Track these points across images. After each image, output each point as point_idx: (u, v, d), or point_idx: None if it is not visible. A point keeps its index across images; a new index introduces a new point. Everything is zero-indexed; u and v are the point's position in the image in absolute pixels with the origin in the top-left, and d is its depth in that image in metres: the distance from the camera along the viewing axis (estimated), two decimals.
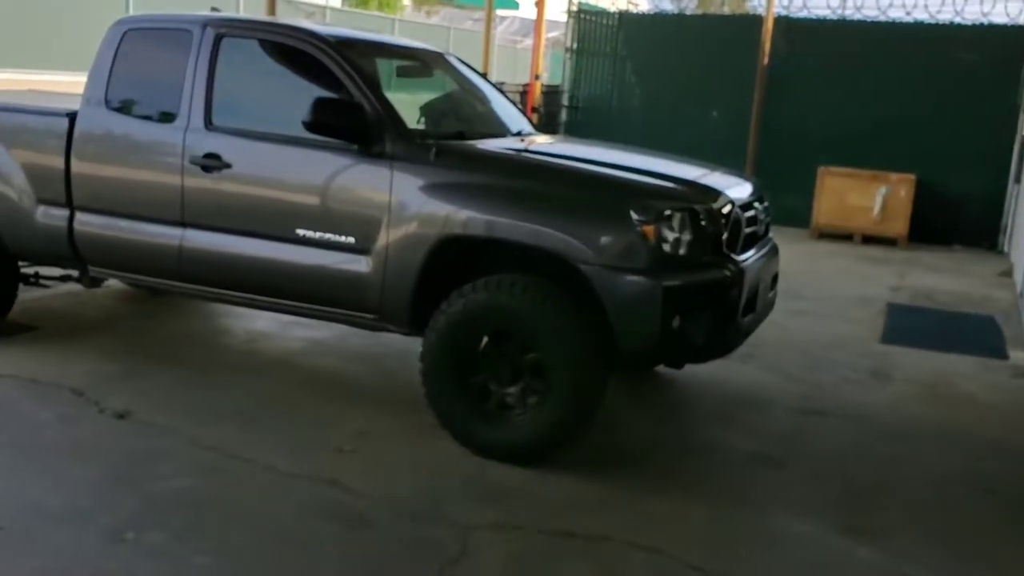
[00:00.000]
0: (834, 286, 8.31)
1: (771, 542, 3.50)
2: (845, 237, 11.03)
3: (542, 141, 5.19)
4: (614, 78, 13.09)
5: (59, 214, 4.84)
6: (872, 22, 11.60)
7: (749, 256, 4.20)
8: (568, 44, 13.39)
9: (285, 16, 14.51)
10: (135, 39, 4.84)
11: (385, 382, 5.01)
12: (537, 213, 3.90)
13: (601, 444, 4.26)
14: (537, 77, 12.74)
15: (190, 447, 3.90)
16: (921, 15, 11.26)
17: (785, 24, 11.81)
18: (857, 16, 11.78)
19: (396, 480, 3.76)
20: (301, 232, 4.28)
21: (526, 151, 4.65)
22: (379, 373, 5.15)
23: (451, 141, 4.43)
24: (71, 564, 3.00)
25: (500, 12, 18.44)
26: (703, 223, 3.88)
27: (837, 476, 4.11)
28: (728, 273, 3.93)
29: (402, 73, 5.51)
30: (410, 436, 4.20)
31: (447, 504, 3.57)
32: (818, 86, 11.71)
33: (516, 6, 28.67)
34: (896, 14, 11.47)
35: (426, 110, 5.11)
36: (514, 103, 5.83)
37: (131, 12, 11.11)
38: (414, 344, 4.35)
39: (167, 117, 4.61)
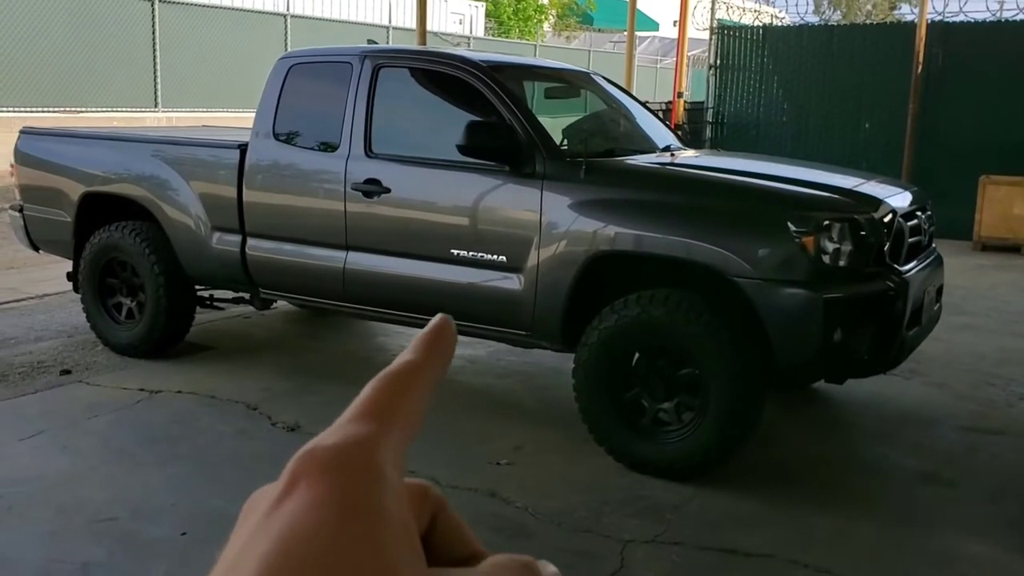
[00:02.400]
0: (1000, 299, 7.87)
1: (946, 563, 3.34)
2: (1011, 249, 10.42)
3: (691, 155, 5.17)
4: (759, 93, 12.87)
5: (232, 240, 5.15)
6: None
7: (912, 267, 4.05)
8: (711, 60, 13.26)
9: (434, 47, 15.01)
10: (299, 73, 5.11)
11: (539, 398, 5.08)
12: (689, 227, 3.89)
13: (758, 461, 4.18)
14: (680, 95, 12.67)
15: None
16: None
17: (941, 29, 11.33)
18: (1019, 17, 11.18)
19: (553, 493, 3.80)
20: (456, 252, 4.41)
21: (676, 165, 4.64)
22: (533, 389, 5.22)
23: (600, 158, 4.48)
24: None
25: (639, 33, 18.44)
26: (864, 233, 3.77)
27: (1015, 496, 3.89)
28: (891, 284, 3.81)
29: (550, 94, 5.61)
30: (565, 451, 4.25)
31: (604, 517, 3.59)
32: (976, 92, 11.16)
33: (656, 26, 28.61)
34: None
35: (575, 129, 5.17)
36: (660, 119, 5.83)
37: (290, 49, 11.75)
38: (566, 361, 4.40)
39: (330, 146, 4.85)
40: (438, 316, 0.39)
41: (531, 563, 0.34)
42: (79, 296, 5.75)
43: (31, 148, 5.93)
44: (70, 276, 5.85)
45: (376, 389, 0.36)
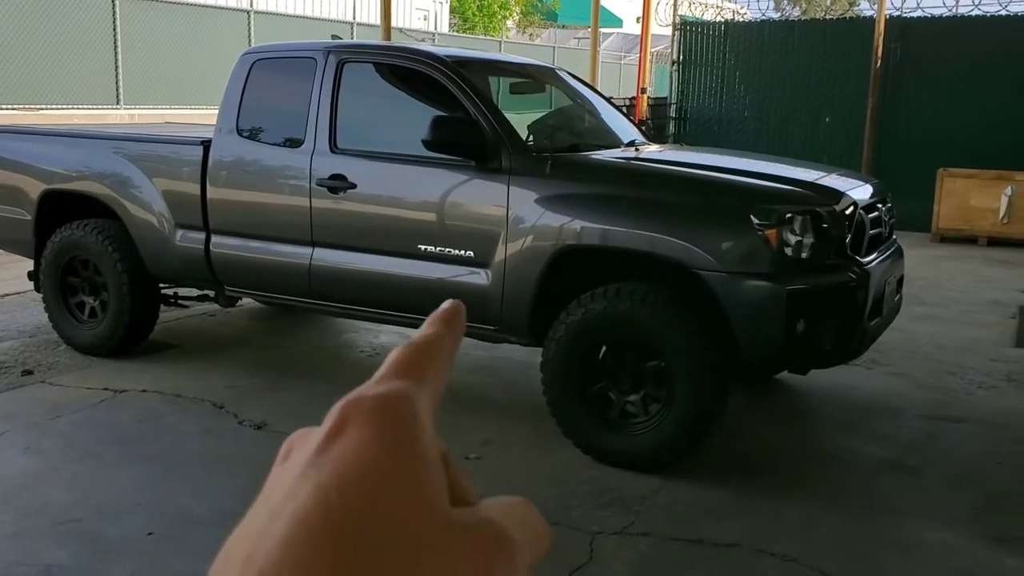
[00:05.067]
0: (959, 290, 8.00)
1: (911, 550, 3.40)
2: (968, 240, 10.60)
3: (655, 150, 5.20)
4: (722, 88, 12.98)
5: (196, 237, 5.10)
6: (992, 17, 11.17)
7: (873, 258, 4.12)
8: (674, 56, 13.34)
9: (398, 42, 14.93)
10: (262, 69, 5.07)
11: (507, 392, 5.10)
12: (654, 221, 3.92)
13: (724, 451, 4.23)
14: (643, 90, 12.74)
15: None
16: None
17: (899, 24, 11.50)
18: (975, 12, 11.37)
19: (522, 486, 3.82)
20: (423, 247, 4.41)
21: (640, 160, 4.67)
22: (500, 383, 5.24)
23: (565, 153, 4.50)
24: None
25: (603, 29, 18.50)
26: (826, 225, 3.83)
27: (977, 483, 3.97)
28: (853, 276, 3.87)
29: (515, 89, 5.62)
30: (533, 444, 4.26)
31: (573, 510, 3.61)
32: (934, 86, 11.34)
33: (619, 23, 28.72)
34: (1018, 8, 11.02)
35: (540, 124, 5.19)
36: (624, 115, 5.87)
37: (253, 45, 11.65)
38: (534, 355, 4.42)
39: (294, 142, 4.82)
40: (450, 300, 0.43)
41: (527, 502, 0.38)
42: (40, 295, 5.67)
43: None
44: (31, 275, 5.76)
45: (406, 354, 0.39)
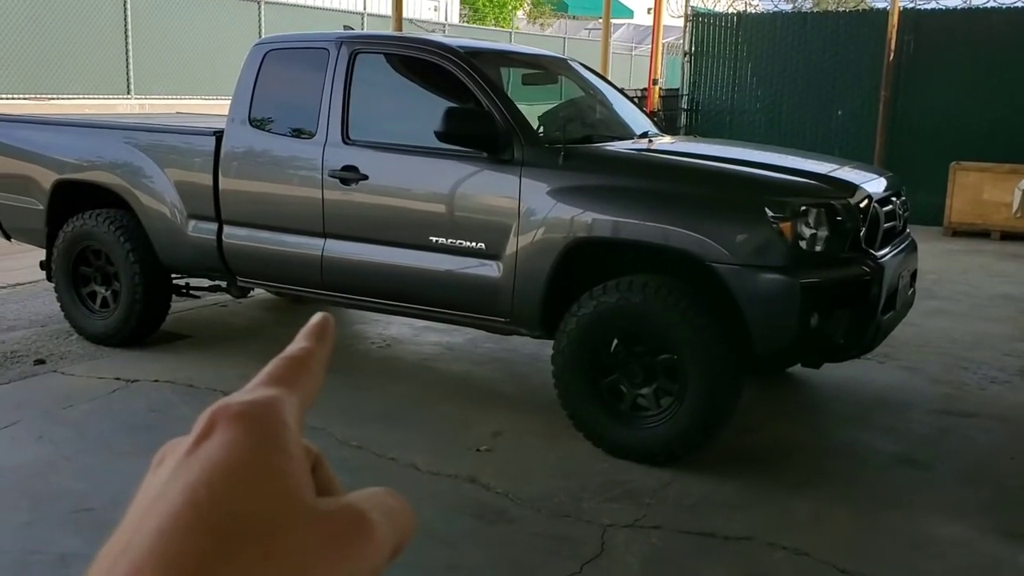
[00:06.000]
0: (971, 284, 7.96)
1: (922, 545, 3.39)
2: (981, 235, 10.54)
3: (668, 141, 5.18)
4: (733, 80, 12.92)
5: (208, 228, 5.10)
6: (1007, 8, 11.08)
7: (887, 252, 4.09)
8: (686, 48, 13.28)
9: (410, 33, 14.93)
10: (275, 60, 5.06)
11: (518, 384, 5.09)
12: (667, 213, 3.91)
13: (736, 445, 4.22)
14: (655, 82, 12.70)
15: (338, 446, 4.06)
16: None
17: (913, 16, 11.42)
18: (990, 3, 11.29)
19: (533, 479, 3.82)
20: (434, 239, 4.40)
21: (653, 151, 4.65)
22: (511, 376, 5.23)
23: (578, 145, 4.48)
24: None
25: (614, 20, 18.42)
26: (840, 218, 3.81)
27: (989, 478, 3.95)
28: (867, 269, 3.85)
29: (528, 80, 5.60)
30: (544, 436, 4.26)
31: (584, 502, 3.61)
32: (948, 79, 11.26)
33: (630, 14, 28.60)
34: None
35: (552, 115, 5.17)
36: (636, 105, 5.84)
37: (264, 36, 11.64)
38: (544, 347, 4.41)
39: (307, 133, 4.81)
40: (319, 314, 0.46)
41: (390, 489, 0.41)
42: (52, 285, 5.69)
43: (1, 135, 5.84)
44: (43, 265, 5.78)
45: (278, 365, 0.42)
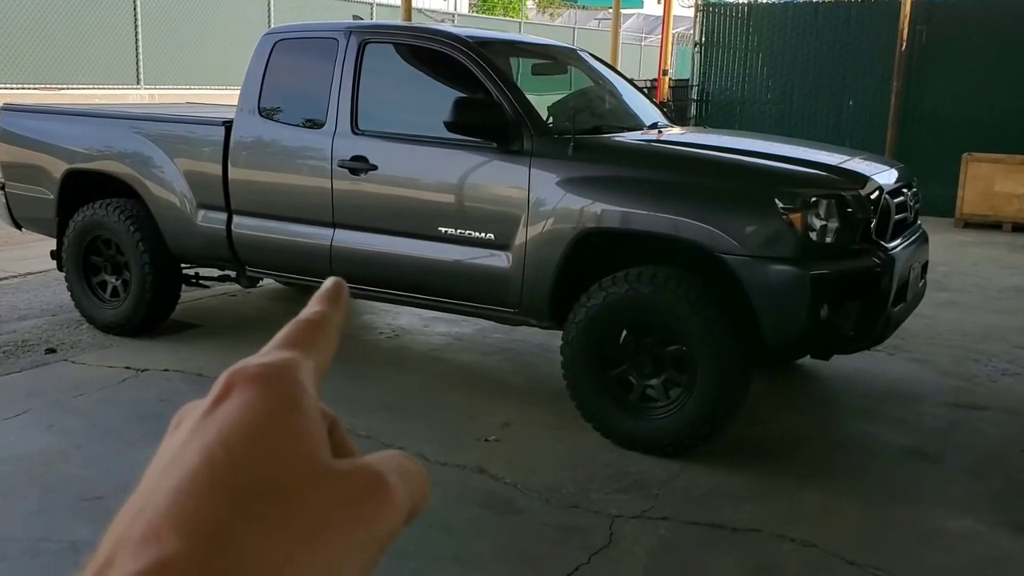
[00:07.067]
0: (982, 276, 7.92)
1: (932, 538, 3.38)
2: (993, 226, 10.48)
3: (678, 132, 5.16)
4: (744, 70, 12.86)
5: (218, 217, 5.11)
6: None
7: (898, 243, 4.07)
8: (696, 38, 13.23)
9: (420, 23, 14.92)
10: (284, 49, 5.05)
11: (526, 375, 5.09)
12: (677, 204, 3.89)
13: (744, 437, 4.22)
14: (665, 72, 12.66)
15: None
16: None
17: (925, 6, 11.35)
18: None
19: (541, 469, 3.82)
20: (443, 230, 4.40)
21: (663, 142, 4.64)
22: (519, 366, 5.23)
23: (587, 135, 4.47)
24: None
25: (624, 10, 18.35)
26: (851, 210, 3.79)
27: (1000, 471, 3.94)
28: (877, 261, 3.83)
29: (537, 70, 5.58)
30: (553, 427, 4.26)
31: (592, 493, 3.61)
32: (960, 69, 11.19)
33: (640, 4, 28.45)
34: None
35: (562, 105, 5.15)
36: (646, 96, 5.82)
37: (273, 25, 11.60)
38: (553, 338, 4.40)
39: (316, 123, 4.81)
40: (332, 278, 0.46)
41: (404, 453, 0.41)
42: (63, 274, 5.71)
43: (12, 125, 5.86)
44: (54, 254, 5.80)
45: (294, 329, 0.42)
